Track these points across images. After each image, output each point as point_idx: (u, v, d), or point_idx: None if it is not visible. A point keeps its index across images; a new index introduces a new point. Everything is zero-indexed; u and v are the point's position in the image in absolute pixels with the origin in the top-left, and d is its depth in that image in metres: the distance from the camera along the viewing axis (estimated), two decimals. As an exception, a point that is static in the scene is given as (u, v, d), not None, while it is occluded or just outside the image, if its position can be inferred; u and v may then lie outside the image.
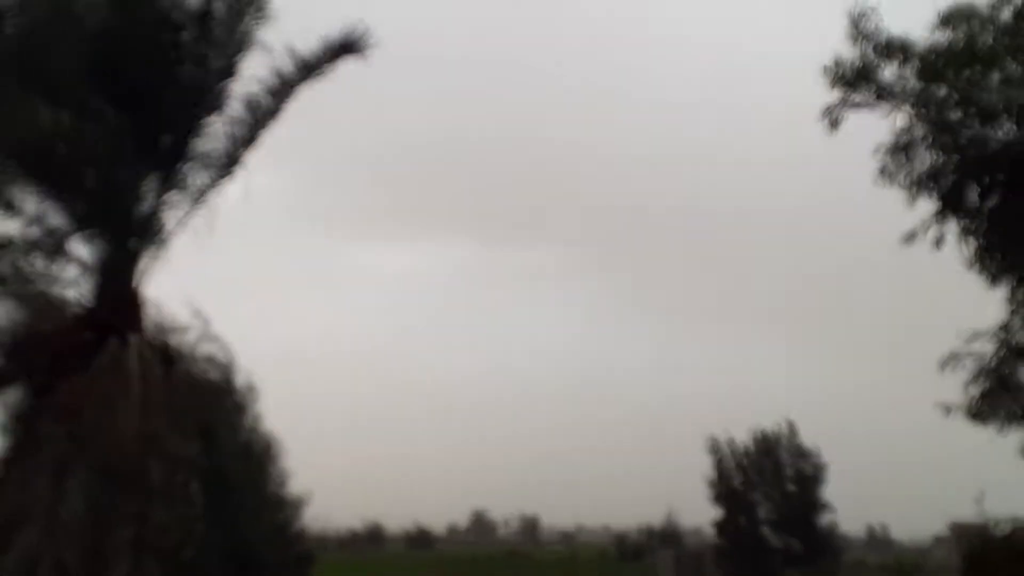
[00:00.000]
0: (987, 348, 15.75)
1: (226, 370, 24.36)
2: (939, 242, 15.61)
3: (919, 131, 15.18)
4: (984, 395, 15.70)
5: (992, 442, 16.11)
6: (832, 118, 15.05)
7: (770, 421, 72.50)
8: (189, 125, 11.75)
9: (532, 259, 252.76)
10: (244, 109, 11.80)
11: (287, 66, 11.61)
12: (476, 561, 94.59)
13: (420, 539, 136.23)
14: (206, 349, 23.30)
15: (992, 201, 15.41)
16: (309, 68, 11.67)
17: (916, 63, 14.83)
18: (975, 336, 15.72)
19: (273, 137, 12.03)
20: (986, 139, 15.07)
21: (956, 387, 16.24)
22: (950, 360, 15.70)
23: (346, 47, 11.63)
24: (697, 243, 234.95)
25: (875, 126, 15.84)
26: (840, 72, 15.01)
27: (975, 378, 15.77)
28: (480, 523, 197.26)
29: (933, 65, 14.65)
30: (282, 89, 11.73)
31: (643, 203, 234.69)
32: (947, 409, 16.05)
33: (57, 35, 10.51)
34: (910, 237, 15.58)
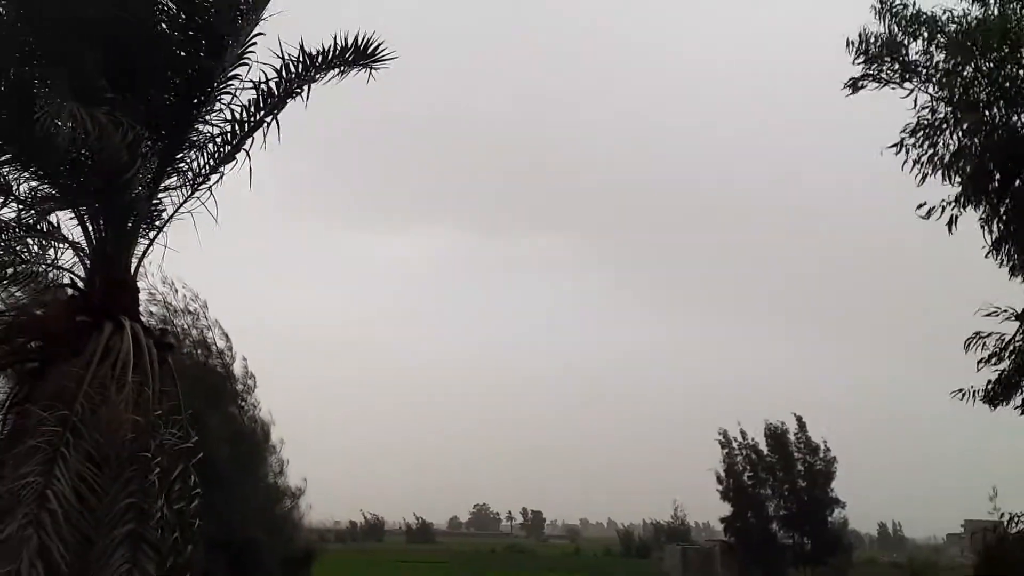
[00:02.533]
0: (1005, 328, 15.57)
1: (223, 356, 24.13)
2: (952, 224, 15.32)
3: (943, 111, 14.90)
4: (1001, 378, 15.46)
5: (1007, 430, 15.97)
6: (854, 90, 14.87)
7: (780, 416, 72.55)
8: (191, 108, 11.44)
9: (534, 249, 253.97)
10: (249, 97, 11.51)
11: (295, 60, 11.26)
12: (478, 555, 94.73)
13: (421, 532, 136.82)
14: (203, 335, 23.06)
15: (1016, 185, 15.08)
16: (317, 68, 11.35)
17: (943, 41, 14.47)
18: (994, 313, 15.49)
19: (276, 123, 11.65)
20: (1012, 122, 14.74)
21: (970, 381, 16.01)
22: (973, 340, 15.47)
23: (359, 54, 11.27)
24: (704, 237, 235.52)
25: (890, 117, 15.66)
26: (865, 47, 14.74)
27: (991, 358, 15.54)
28: (482, 517, 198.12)
29: (961, 44, 14.27)
30: (288, 81, 11.40)
31: (648, 194, 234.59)
32: (963, 393, 15.82)
33: (54, 20, 10.18)
34: (928, 211, 15.27)
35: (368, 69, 11.33)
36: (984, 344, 15.66)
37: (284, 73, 11.28)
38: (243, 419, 25.18)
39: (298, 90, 11.42)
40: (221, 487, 19.04)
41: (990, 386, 15.75)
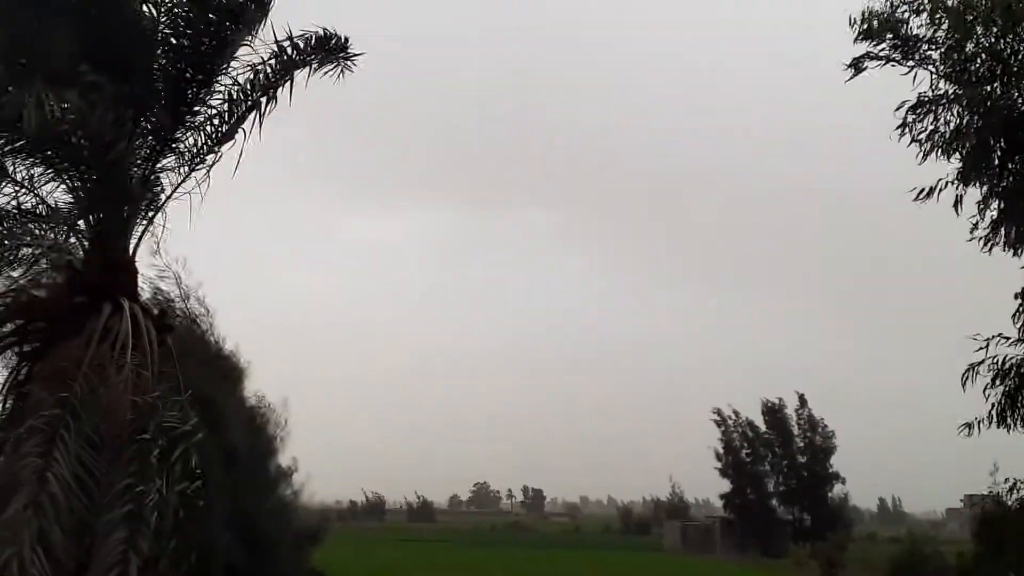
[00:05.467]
0: (1005, 351, 15.43)
1: (215, 337, 23.97)
2: (957, 203, 15.23)
3: (944, 88, 14.85)
4: (1008, 396, 15.31)
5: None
6: (857, 71, 14.86)
7: (779, 393, 72.81)
8: (187, 89, 11.46)
9: (529, 226, 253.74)
10: (244, 77, 11.56)
11: (288, 45, 11.40)
12: (479, 533, 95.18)
13: (422, 511, 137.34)
14: (194, 316, 22.97)
15: (1016, 164, 14.99)
16: (306, 58, 11.53)
17: (944, 16, 14.39)
18: (988, 341, 15.39)
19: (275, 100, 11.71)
20: (1013, 98, 14.67)
21: (971, 358, 15.93)
22: (969, 374, 15.38)
23: (329, 49, 11.50)
24: (701, 214, 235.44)
25: (890, 92, 15.61)
26: (867, 25, 14.72)
27: (995, 381, 15.39)
28: (482, 495, 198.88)
29: (962, 18, 14.19)
30: (284, 65, 11.52)
31: (645, 166, 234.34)
32: (970, 427, 15.72)
33: (46, 5, 10.15)
34: (927, 194, 15.21)
35: (338, 64, 11.61)
36: (978, 372, 15.51)
37: (280, 56, 11.34)
38: (245, 400, 25.13)
39: (289, 76, 11.50)
40: (229, 469, 19.07)
41: (998, 407, 15.57)
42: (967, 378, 15.44)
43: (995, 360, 15.42)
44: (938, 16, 14.49)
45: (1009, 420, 15.50)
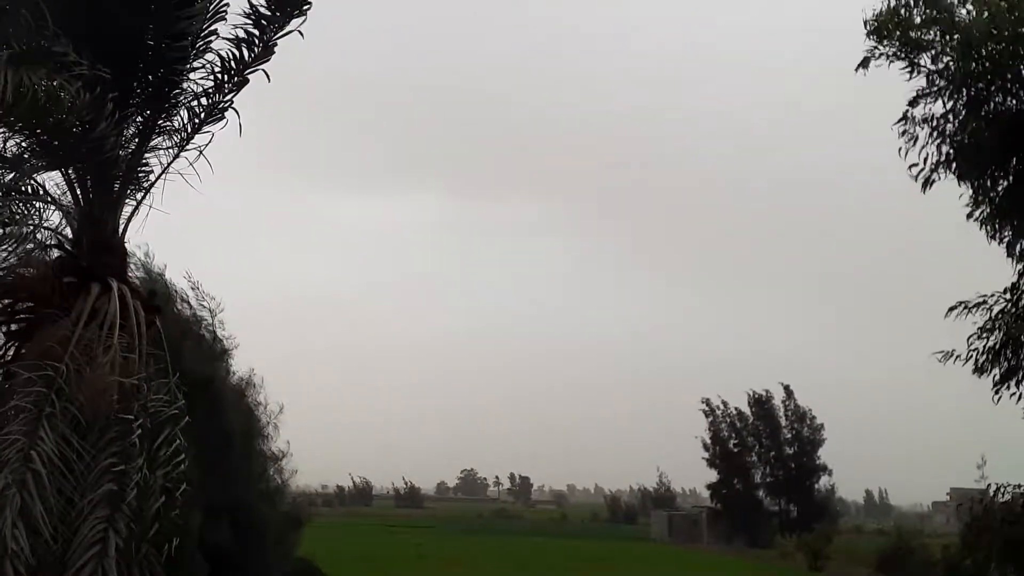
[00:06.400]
0: (996, 306, 15.59)
1: (205, 319, 23.81)
2: (927, 184, 15.44)
3: (946, 94, 15.03)
4: (993, 348, 15.51)
5: (994, 403, 15.85)
6: (865, 67, 15.06)
7: (766, 385, 72.96)
8: (173, 67, 11.31)
9: (523, 216, 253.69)
10: (229, 50, 11.39)
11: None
12: (466, 519, 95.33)
13: (409, 497, 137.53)
14: (184, 297, 22.80)
15: (1015, 164, 15.17)
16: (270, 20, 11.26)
17: (955, 38, 14.60)
18: (982, 298, 15.53)
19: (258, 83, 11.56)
20: (1007, 102, 14.83)
21: (956, 351, 16.02)
22: (958, 308, 15.57)
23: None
24: (689, 202, 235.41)
25: (888, 92, 15.77)
26: (878, 23, 14.94)
27: (982, 332, 15.58)
28: (469, 482, 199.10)
29: (970, 40, 14.40)
30: (263, 30, 11.30)
31: (633, 158, 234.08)
32: (948, 355, 15.88)
33: None
34: (925, 179, 15.39)
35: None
36: (969, 312, 15.72)
37: (260, 25, 11.18)
38: (234, 383, 24.95)
39: (275, 42, 11.32)
40: (218, 453, 19.00)
41: (980, 356, 15.78)
42: (953, 311, 15.71)
43: (989, 309, 15.66)
44: (943, 25, 14.68)
45: (987, 374, 15.73)
